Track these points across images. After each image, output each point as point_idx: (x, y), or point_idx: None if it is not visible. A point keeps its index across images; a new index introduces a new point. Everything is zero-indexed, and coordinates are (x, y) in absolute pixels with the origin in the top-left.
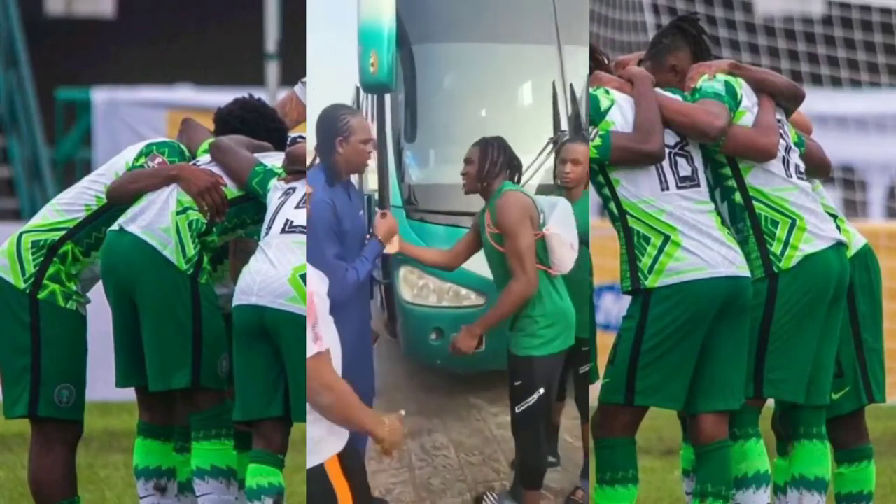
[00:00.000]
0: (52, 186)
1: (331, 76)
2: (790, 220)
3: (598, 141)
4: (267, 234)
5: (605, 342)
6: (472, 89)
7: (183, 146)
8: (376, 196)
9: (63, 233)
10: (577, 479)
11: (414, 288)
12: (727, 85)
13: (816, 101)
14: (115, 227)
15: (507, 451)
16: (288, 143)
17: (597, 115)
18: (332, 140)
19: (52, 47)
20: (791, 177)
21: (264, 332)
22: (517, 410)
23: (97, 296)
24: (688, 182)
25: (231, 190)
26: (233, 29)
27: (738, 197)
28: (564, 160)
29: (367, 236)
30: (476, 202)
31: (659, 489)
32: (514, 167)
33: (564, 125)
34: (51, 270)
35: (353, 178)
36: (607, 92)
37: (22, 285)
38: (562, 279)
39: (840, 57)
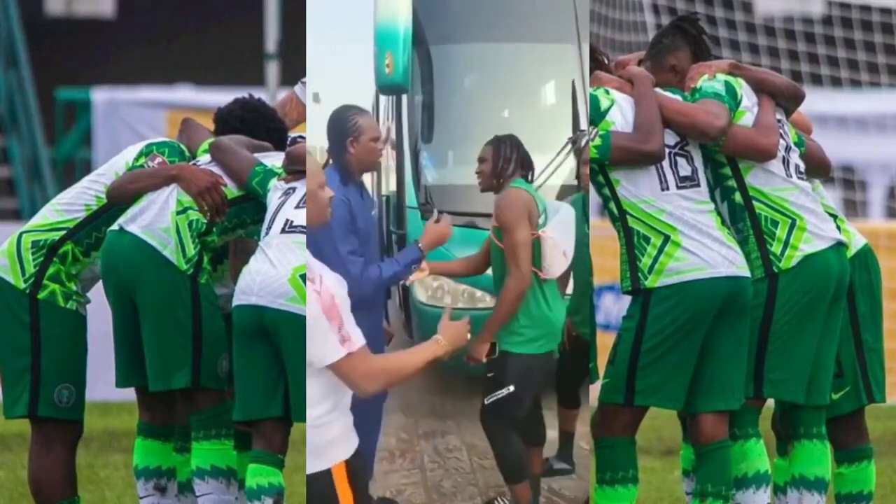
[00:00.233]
0: (52, 186)
1: (331, 76)
2: (790, 220)
3: (598, 141)
4: (267, 234)
5: (605, 342)
6: (493, 89)
7: (183, 146)
8: (394, 198)
9: (63, 233)
10: (590, 487)
11: (429, 289)
12: (727, 85)
13: (816, 101)
14: (115, 227)
15: None
16: (288, 143)
17: (597, 115)
18: (343, 141)
19: (52, 47)
20: (791, 177)
21: (264, 332)
22: (486, 402)
23: (97, 296)
24: (688, 182)
25: (231, 190)
26: (233, 29)
27: (738, 197)
28: (587, 161)
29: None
30: (491, 203)
31: (659, 489)
32: (527, 165)
33: (584, 125)
34: (51, 270)
35: (367, 180)
36: (607, 92)
37: (22, 285)
38: (554, 289)
39: (840, 57)
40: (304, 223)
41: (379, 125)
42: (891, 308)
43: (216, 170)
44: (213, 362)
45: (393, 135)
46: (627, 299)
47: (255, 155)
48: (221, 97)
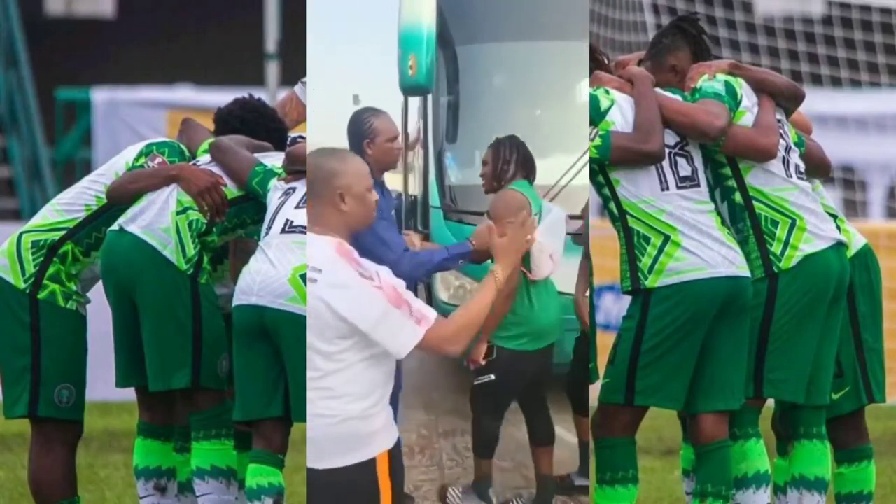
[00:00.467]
0: (52, 186)
1: (331, 76)
2: (790, 220)
3: (598, 141)
4: (267, 234)
5: (605, 342)
6: (523, 88)
7: (183, 146)
8: (419, 198)
9: (63, 233)
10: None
11: (450, 288)
12: (727, 85)
13: (816, 101)
14: (115, 227)
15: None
16: (288, 143)
17: (597, 115)
18: (360, 143)
19: (52, 47)
20: (791, 177)
21: (264, 332)
22: (474, 383)
23: (97, 296)
24: (688, 182)
25: (231, 190)
26: (233, 29)
27: (738, 197)
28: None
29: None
30: None
31: (659, 489)
32: (528, 167)
33: None
34: (51, 270)
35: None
36: (607, 92)
37: (22, 285)
38: (542, 290)
39: (840, 57)
40: (304, 223)
41: (407, 125)
42: (891, 308)
43: (216, 170)
44: (213, 362)
45: (412, 132)
46: (627, 299)
47: (255, 155)
48: (221, 97)
